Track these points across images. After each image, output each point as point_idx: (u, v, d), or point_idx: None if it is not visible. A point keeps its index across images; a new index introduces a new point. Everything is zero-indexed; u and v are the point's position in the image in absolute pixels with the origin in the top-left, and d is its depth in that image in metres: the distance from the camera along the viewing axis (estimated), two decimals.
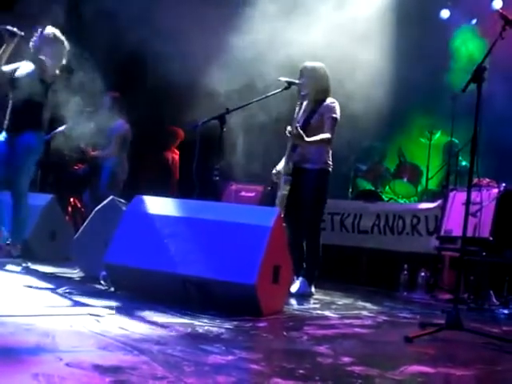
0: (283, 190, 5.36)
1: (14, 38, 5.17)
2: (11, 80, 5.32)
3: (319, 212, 5.48)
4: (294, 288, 5.12)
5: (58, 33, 5.35)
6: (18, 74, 5.33)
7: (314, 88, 5.40)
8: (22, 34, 5.18)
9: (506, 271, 5.82)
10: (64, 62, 5.38)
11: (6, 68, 5.33)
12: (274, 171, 5.58)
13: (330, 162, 5.45)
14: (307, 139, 5.20)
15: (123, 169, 7.44)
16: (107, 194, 5.54)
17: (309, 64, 5.49)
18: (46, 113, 5.32)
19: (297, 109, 5.39)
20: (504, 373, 3.03)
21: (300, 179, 5.38)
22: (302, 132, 5.16)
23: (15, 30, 5.15)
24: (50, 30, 5.31)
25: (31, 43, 5.16)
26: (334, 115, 5.36)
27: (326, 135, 5.30)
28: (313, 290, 5.31)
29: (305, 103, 5.44)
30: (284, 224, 5.16)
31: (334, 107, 5.39)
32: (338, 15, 6.09)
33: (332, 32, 5.82)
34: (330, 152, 5.45)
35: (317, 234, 5.40)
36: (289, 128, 5.31)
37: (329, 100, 5.43)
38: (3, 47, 5.24)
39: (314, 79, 5.42)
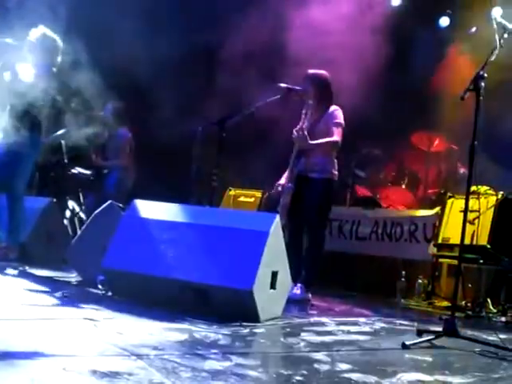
0: (286, 198, 5.34)
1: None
2: (9, 84, 5.32)
3: (324, 220, 5.49)
4: (292, 294, 5.11)
5: (48, 32, 5.33)
6: (14, 78, 5.33)
7: (316, 96, 5.40)
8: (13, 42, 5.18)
9: (503, 279, 5.82)
10: (59, 59, 5.36)
11: (7, 75, 5.33)
12: (277, 184, 5.54)
13: (336, 172, 5.46)
14: (311, 142, 5.21)
15: (129, 176, 7.52)
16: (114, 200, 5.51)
17: (311, 71, 5.50)
18: (43, 115, 5.31)
19: (302, 117, 5.39)
20: (501, 381, 3.02)
21: (305, 188, 5.37)
22: (306, 134, 5.17)
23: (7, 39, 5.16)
24: (39, 30, 5.30)
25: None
26: (339, 120, 5.36)
27: (333, 138, 5.30)
28: (309, 295, 5.31)
29: (308, 112, 5.43)
30: (285, 230, 5.18)
31: (337, 114, 5.40)
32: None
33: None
34: (336, 162, 5.46)
35: (321, 242, 5.41)
36: (294, 132, 5.31)
37: (332, 108, 5.43)
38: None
39: (316, 87, 5.42)
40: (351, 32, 6.14)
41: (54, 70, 5.32)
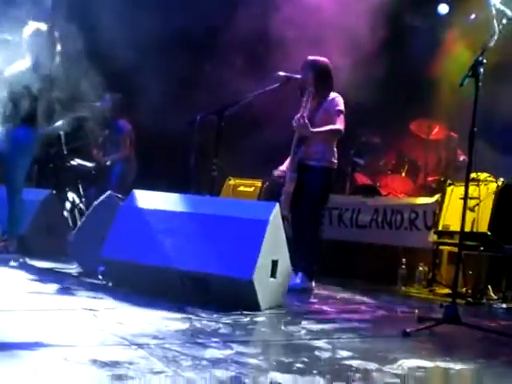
0: (289, 187, 5.33)
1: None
2: (7, 76, 5.30)
3: (320, 208, 5.47)
4: (294, 283, 5.10)
5: (41, 26, 5.32)
6: (12, 69, 5.32)
7: (315, 83, 5.35)
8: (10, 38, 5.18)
9: (504, 266, 5.82)
10: (58, 49, 5.35)
11: (8, 71, 5.32)
12: (278, 169, 5.52)
13: (335, 161, 5.41)
14: (313, 130, 5.18)
15: (132, 168, 7.52)
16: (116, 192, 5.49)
17: (311, 58, 5.46)
18: (41, 107, 5.30)
19: (303, 104, 5.35)
20: (502, 367, 3.03)
21: (304, 176, 5.35)
22: (307, 122, 5.14)
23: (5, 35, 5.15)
24: (32, 25, 5.28)
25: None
26: (340, 108, 5.32)
27: (336, 126, 5.26)
28: (313, 284, 5.30)
29: (309, 99, 5.38)
30: (287, 220, 5.18)
31: (338, 101, 5.34)
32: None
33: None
34: (335, 150, 5.42)
35: (317, 230, 5.39)
36: (295, 120, 5.28)
37: (332, 95, 5.38)
38: None
39: (315, 74, 5.37)
40: (348, 18, 6.10)
41: (55, 62, 5.30)
